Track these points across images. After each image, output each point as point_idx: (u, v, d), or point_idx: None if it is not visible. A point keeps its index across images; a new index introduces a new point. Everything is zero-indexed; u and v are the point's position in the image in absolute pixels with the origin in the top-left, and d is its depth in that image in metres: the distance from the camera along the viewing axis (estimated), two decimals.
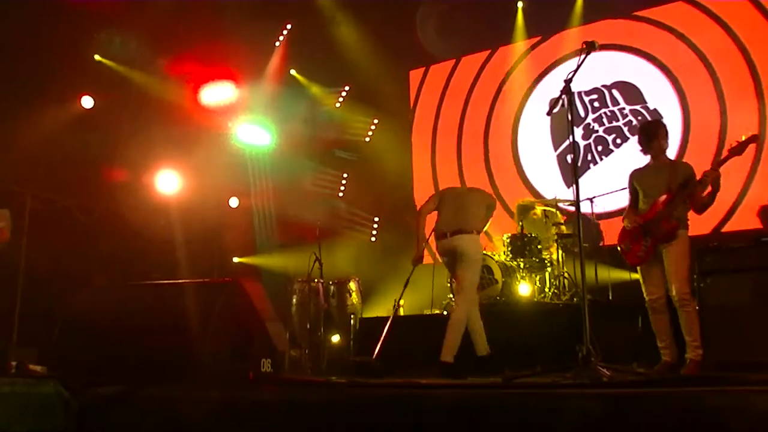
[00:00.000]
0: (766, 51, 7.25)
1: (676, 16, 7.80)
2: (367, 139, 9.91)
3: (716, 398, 1.85)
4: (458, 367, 5.02)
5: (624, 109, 7.97)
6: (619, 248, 4.96)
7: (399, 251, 8.93)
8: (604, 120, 8.10)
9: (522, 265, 6.55)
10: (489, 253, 6.66)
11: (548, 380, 3.52)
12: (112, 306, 3.57)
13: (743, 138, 4.62)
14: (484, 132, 9.06)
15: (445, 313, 6.68)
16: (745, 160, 7.04)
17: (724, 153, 4.70)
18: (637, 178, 4.99)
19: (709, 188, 4.62)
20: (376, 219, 9.69)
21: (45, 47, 7.90)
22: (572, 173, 4.30)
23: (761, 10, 7.31)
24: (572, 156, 4.44)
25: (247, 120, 9.57)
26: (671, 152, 7.29)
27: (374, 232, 9.70)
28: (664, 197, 4.72)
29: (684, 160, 7.07)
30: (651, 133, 4.93)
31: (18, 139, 7.34)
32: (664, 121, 7.50)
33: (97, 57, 8.66)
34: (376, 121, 9.88)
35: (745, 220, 6.96)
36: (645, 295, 4.79)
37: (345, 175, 10.06)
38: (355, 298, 6.89)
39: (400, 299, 5.92)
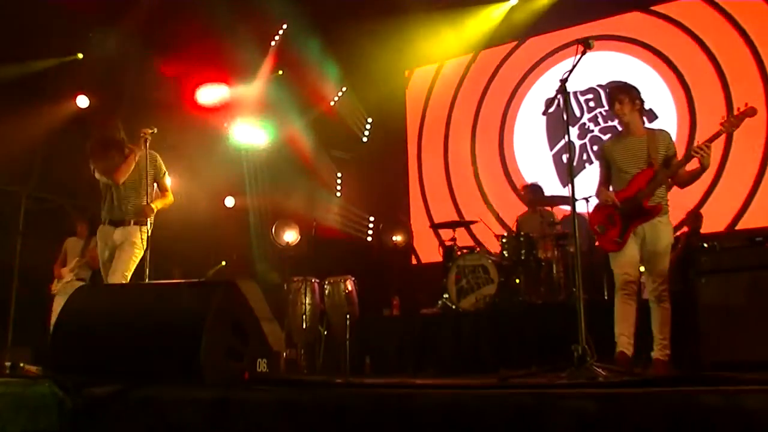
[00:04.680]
0: None
1: (687, 13, 7.78)
2: (365, 139, 9.89)
3: (712, 398, 1.85)
4: None
5: None
6: (594, 229, 4.62)
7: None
8: (600, 120, 8.11)
9: (518, 264, 6.55)
10: (485, 253, 6.67)
11: (544, 380, 3.52)
12: (107, 306, 3.55)
13: (738, 111, 4.21)
14: (474, 131, 9.07)
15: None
16: (756, 154, 7.04)
17: (717, 128, 4.27)
18: (610, 151, 4.57)
19: (698, 165, 4.28)
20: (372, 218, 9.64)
21: (40, 46, 7.89)
22: (568, 173, 4.28)
23: None
24: (568, 156, 4.43)
25: (243, 120, 9.54)
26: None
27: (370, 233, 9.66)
28: (644, 174, 4.39)
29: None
30: (609, 96, 4.57)
31: (13, 138, 7.31)
32: (658, 118, 7.59)
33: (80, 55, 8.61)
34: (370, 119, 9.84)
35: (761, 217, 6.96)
36: (618, 274, 4.38)
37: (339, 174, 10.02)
38: (350, 297, 6.88)
39: None
